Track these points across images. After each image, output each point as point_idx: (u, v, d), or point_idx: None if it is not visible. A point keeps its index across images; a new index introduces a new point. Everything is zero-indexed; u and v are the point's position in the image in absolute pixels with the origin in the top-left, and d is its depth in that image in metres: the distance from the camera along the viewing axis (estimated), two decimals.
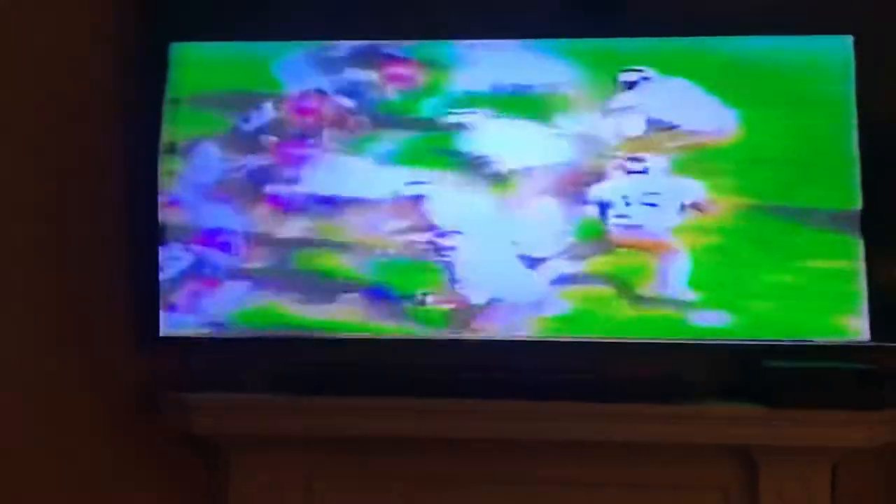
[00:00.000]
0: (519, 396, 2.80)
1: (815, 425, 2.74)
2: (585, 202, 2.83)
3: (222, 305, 2.91)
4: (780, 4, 2.80)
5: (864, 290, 2.75)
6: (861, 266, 2.75)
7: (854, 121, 2.76)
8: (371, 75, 2.91)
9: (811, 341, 2.78)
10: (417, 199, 2.88)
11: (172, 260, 2.92)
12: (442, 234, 2.87)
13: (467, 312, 2.86)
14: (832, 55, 2.79)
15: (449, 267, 2.87)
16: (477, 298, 2.86)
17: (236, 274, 2.91)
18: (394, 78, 2.90)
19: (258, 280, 2.90)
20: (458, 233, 2.87)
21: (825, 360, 2.78)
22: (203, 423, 2.87)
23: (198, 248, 2.92)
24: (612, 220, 2.82)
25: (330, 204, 2.90)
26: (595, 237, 2.83)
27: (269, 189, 2.91)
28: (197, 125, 2.93)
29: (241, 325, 2.90)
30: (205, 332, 2.92)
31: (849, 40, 2.78)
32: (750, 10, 2.81)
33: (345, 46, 2.92)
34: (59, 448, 2.82)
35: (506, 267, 2.85)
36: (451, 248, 2.86)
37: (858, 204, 2.75)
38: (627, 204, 2.82)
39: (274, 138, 2.91)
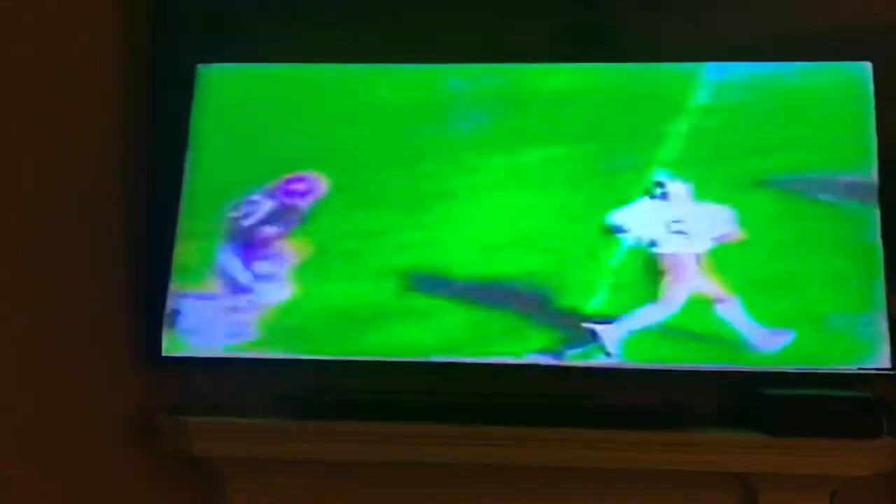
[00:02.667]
0: (519, 422, 2.80)
1: (815, 454, 2.73)
2: None
3: None
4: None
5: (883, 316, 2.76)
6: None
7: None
8: None
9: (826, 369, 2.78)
10: None
11: None
12: None
13: None
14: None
15: None
16: None
17: None
18: None
19: None
20: None
21: (825, 388, 2.78)
22: (203, 447, 2.87)
23: None
24: None
25: None
26: None
27: None
28: None
29: None
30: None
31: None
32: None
33: None
34: (57, 470, 2.83)
35: None
36: None
37: None
38: None
39: None
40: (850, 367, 2.76)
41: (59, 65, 2.86)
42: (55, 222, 2.84)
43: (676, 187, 2.86)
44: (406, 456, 2.83)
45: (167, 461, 2.96)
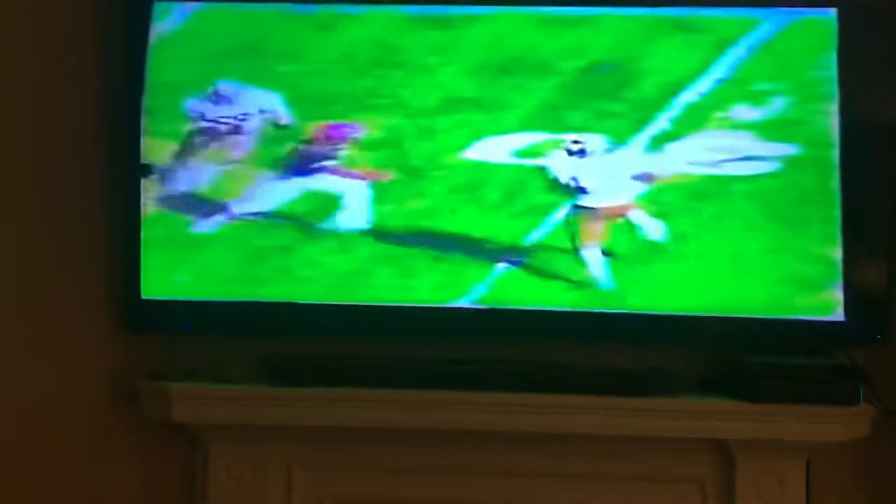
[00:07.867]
0: (501, 388, 2.81)
1: (792, 420, 2.77)
2: None
3: None
4: None
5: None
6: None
7: None
8: None
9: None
10: None
11: None
12: None
13: None
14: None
15: None
16: None
17: None
18: None
19: None
20: None
21: (803, 356, 2.81)
22: (183, 413, 2.87)
23: None
24: None
25: None
26: None
27: None
28: None
29: None
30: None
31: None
32: None
33: None
34: (37, 437, 2.81)
35: None
36: None
37: None
38: None
39: None
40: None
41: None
42: (27, 181, 2.80)
43: None
44: (387, 421, 2.84)
45: (148, 427, 2.95)
